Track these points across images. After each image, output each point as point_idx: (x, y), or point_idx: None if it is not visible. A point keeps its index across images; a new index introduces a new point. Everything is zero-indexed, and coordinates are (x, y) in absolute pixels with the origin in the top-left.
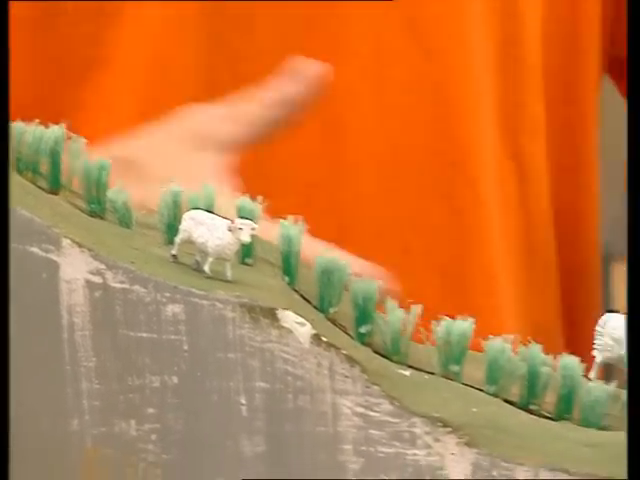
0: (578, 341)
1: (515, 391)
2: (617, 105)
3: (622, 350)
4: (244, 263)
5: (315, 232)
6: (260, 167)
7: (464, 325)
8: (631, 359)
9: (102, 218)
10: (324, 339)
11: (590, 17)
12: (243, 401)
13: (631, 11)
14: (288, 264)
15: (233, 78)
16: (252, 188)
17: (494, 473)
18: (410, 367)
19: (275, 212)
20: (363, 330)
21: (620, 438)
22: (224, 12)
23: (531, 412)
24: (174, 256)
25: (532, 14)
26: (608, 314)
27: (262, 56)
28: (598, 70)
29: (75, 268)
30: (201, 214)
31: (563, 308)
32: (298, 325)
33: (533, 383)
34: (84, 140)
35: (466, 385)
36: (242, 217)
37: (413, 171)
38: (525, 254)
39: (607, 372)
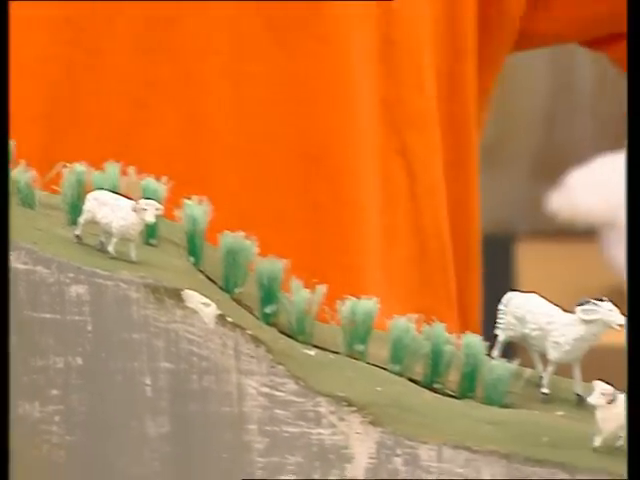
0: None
1: (419, 370)
2: (516, 93)
3: (524, 328)
4: (148, 244)
5: None
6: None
7: (369, 305)
8: (631, 359)
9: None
10: (229, 319)
11: (468, 16)
12: (148, 382)
13: (631, 11)
14: (193, 244)
15: (93, 74)
16: None
17: (398, 451)
18: (315, 347)
19: None
20: (268, 310)
21: (521, 416)
22: (87, 10)
23: (435, 391)
24: (78, 237)
25: (409, 13)
26: (511, 293)
27: (123, 54)
28: (476, 67)
29: None
30: (105, 194)
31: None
32: (203, 305)
33: (437, 362)
34: None
35: (371, 364)
36: (146, 198)
37: (274, 166)
38: (416, 247)
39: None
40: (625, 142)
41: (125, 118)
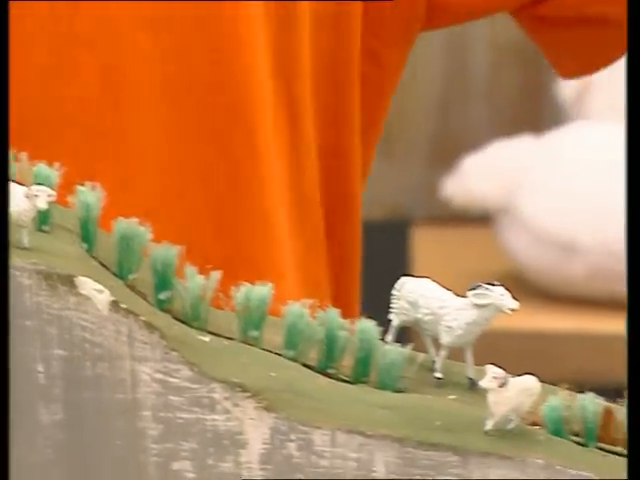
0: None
1: (313, 355)
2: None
3: (417, 313)
4: (41, 230)
5: (97, 179)
6: (39, 114)
7: (263, 291)
8: (631, 359)
9: None
10: (123, 306)
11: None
12: (40, 369)
13: (631, 11)
14: (86, 231)
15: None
16: (31, 136)
17: (292, 437)
18: (210, 333)
19: (53, 159)
20: (162, 296)
21: (414, 400)
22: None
23: (329, 376)
24: None
25: None
26: (404, 278)
27: (31, 46)
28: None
29: None
30: None
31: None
32: (96, 292)
33: (331, 347)
34: None
35: (265, 350)
36: (38, 183)
37: (191, 118)
38: (297, 207)
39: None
40: (519, 127)
41: (42, 67)
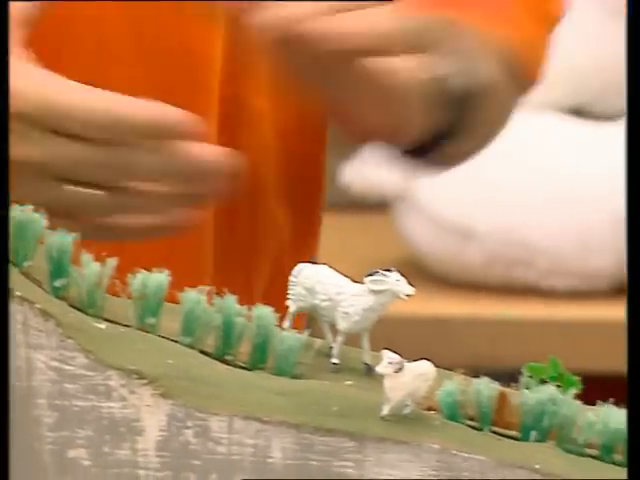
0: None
1: (211, 342)
2: None
3: (314, 299)
4: None
5: None
6: None
7: (160, 278)
8: (631, 360)
9: None
10: (18, 293)
11: None
12: None
13: (631, 11)
14: None
15: None
16: None
17: (189, 423)
18: (106, 320)
19: None
20: (58, 284)
21: (311, 386)
22: None
23: (226, 362)
24: None
25: None
26: (301, 264)
27: None
28: None
29: None
30: None
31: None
32: None
33: (228, 334)
34: None
35: (162, 337)
36: None
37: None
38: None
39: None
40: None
41: None
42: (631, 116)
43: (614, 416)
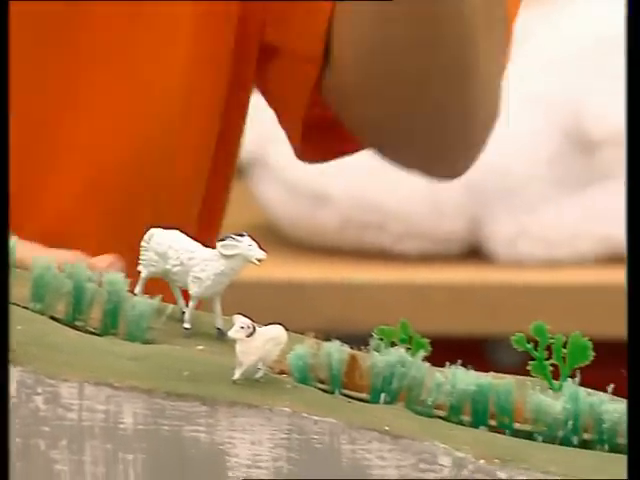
0: None
1: (61, 308)
2: None
3: (166, 264)
4: None
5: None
6: None
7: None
8: (631, 357)
9: None
10: None
11: None
12: None
13: (631, 11)
14: None
15: None
16: None
17: (39, 390)
18: None
19: None
20: None
21: (162, 351)
22: None
23: (77, 328)
24: None
25: None
26: (152, 229)
27: None
28: None
29: None
30: None
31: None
32: None
33: (79, 299)
34: None
35: (12, 303)
36: None
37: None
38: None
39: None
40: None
41: None
42: (631, 116)
43: (462, 377)
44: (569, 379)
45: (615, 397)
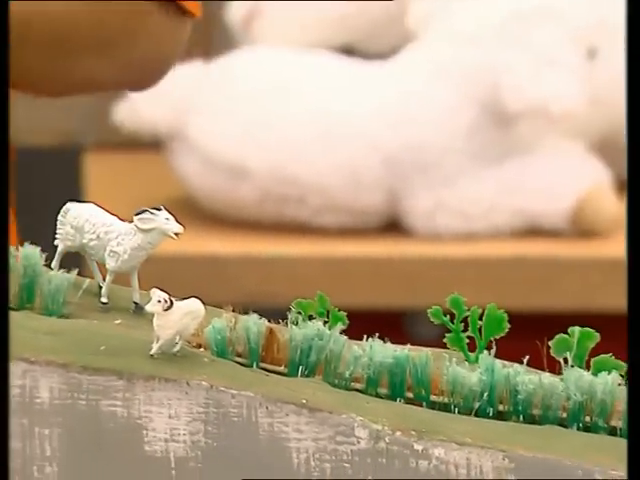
0: None
1: None
2: None
3: (83, 238)
4: None
5: None
6: None
7: None
8: (631, 356)
9: None
10: None
11: None
12: None
13: (631, 11)
14: None
15: None
16: None
17: None
18: None
19: None
20: None
21: (79, 325)
22: None
23: None
24: None
25: None
26: (69, 204)
27: None
28: None
29: None
30: None
31: None
32: None
33: None
34: None
35: None
36: None
37: None
38: None
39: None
40: (189, 53)
41: None
42: (631, 116)
43: (379, 350)
44: (485, 351)
45: (530, 369)
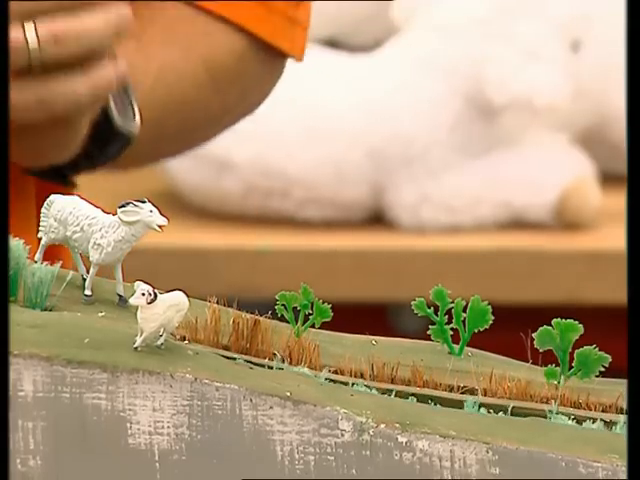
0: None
1: None
2: None
3: (67, 231)
4: None
5: None
6: None
7: None
8: (631, 355)
9: None
10: None
11: None
12: None
13: (631, 11)
14: None
15: None
16: None
17: None
18: None
19: None
20: None
21: (63, 318)
22: None
23: None
24: None
25: None
26: (53, 196)
27: None
28: None
29: None
30: None
31: None
32: None
33: None
34: None
35: None
36: None
37: None
38: None
39: None
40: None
41: None
42: (631, 117)
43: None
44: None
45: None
